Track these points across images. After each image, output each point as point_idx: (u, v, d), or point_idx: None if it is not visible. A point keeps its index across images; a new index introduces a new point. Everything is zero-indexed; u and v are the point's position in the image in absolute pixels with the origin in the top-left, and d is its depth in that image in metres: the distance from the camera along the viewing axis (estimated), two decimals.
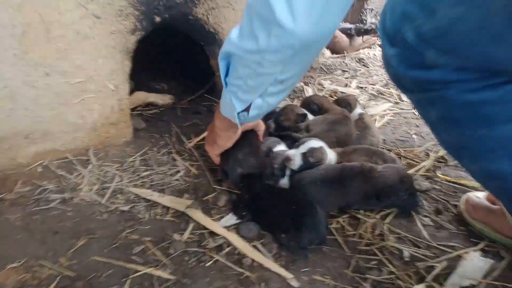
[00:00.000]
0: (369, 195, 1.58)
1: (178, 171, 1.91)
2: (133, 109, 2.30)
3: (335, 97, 2.62)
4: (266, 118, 1.76)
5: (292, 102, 2.65)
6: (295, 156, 1.62)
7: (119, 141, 2.06)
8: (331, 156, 1.71)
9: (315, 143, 1.66)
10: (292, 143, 1.78)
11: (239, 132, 1.60)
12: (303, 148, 1.63)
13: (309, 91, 2.73)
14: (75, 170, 1.86)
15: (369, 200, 1.60)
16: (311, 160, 1.61)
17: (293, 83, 1.27)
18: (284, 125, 1.93)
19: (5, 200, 1.65)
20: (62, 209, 1.64)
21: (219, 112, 1.47)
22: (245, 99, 1.27)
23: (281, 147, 1.78)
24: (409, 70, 1.13)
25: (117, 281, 1.33)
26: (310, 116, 1.99)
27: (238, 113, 1.33)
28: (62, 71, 1.78)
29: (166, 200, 1.70)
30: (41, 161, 1.87)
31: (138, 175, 1.87)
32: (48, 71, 1.75)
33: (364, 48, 3.77)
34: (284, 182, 1.66)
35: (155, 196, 1.72)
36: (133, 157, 1.99)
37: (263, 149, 1.77)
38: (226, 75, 1.29)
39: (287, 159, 1.62)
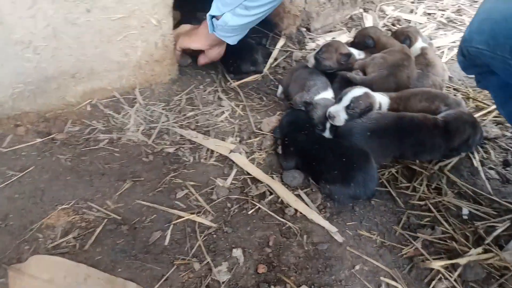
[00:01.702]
0: (438, 149, 1.45)
1: (223, 112, 1.84)
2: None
3: (398, 26, 2.35)
4: None
5: (350, 31, 2.42)
6: (339, 111, 1.48)
7: (165, 79, 2.01)
8: (382, 101, 1.54)
9: (357, 91, 1.49)
10: (344, 85, 1.63)
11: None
12: (346, 100, 1.48)
13: (368, 19, 2.47)
14: (123, 109, 1.85)
15: (434, 153, 1.46)
16: (357, 110, 1.46)
17: (257, 15, 1.64)
18: (324, 64, 1.75)
19: (56, 140, 1.69)
20: (110, 149, 1.66)
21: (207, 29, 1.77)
22: (220, 9, 1.63)
23: (325, 94, 1.64)
24: None
25: (161, 226, 1.35)
26: (357, 54, 1.79)
27: (211, 18, 1.70)
28: (103, 6, 1.70)
29: (211, 143, 1.67)
30: (90, 100, 1.87)
31: (184, 115, 1.84)
32: (89, 7, 1.68)
33: None
34: (326, 134, 1.54)
35: (200, 138, 1.69)
36: (179, 95, 1.94)
37: (304, 96, 1.65)
38: None
39: (331, 116, 1.48)
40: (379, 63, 1.67)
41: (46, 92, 1.79)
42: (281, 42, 2.23)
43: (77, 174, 1.55)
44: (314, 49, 2.23)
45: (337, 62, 1.74)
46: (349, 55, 1.73)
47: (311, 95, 1.67)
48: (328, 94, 1.66)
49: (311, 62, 1.78)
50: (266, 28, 2.32)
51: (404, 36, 1.85)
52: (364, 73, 1.71)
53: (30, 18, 1.61)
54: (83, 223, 1.38)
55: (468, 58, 1.19)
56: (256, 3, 1.57)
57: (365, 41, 1.87)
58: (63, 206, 1.43)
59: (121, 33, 1.78)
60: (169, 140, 1.71)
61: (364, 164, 1.35)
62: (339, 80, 1.72)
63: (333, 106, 1.52)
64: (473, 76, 1.36)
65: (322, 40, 2.31)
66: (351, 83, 1.63)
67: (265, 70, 2.08)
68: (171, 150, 1.65)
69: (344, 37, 2.36)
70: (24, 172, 1.56)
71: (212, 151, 1.64)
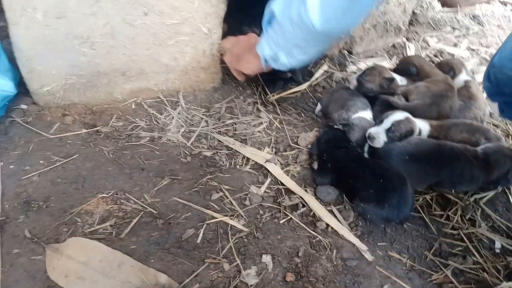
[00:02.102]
0: (476, 180, 1.44)
1: (261, 123, 1.88)
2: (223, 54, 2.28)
3: (441, 59, 2.37)
4: None
5: (391, 58, 2.45)
6: (379, 133, 1.50)
7: (208, 86, 2.08)
8: (422, 127, 1.56)
9: (399, 115, 1.52)
10: (384, 108, 1.65)
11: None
12: (387, 123, 1.50)
13: (411, 49, 2.49)
14: (165, 110, 1.92)
15: (471, 184, 1.46)
16: (397, 134, 1.48)
17: (314, 54, 1.58)
18: (366, 86, 1.78)
19: (100, 132, 1.76)
20: (150, 147, 1.72)
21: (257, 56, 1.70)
22: (273, 48, 1.57)
23: (364, 113, 1.67)
24: None
25: (194, 224, 1.39)
26: (399, 79, 1.81)
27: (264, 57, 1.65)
28: (159, 11, 1.78)
29: (247, 151, 1.71)
30: (135, 99, 1.95)
31: (223, 122, 1.89)
32: (147, 10, 1.76)
33: (481, 2, 3.30)
34: (364, 154, 1.57)
35: (237, 146, 1.73)
36: (220, 103, 2.00)
37: (343, 114, 1.69)
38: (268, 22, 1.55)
39: (371, 137, 1.51)
40: (423, 91, 1.69)
41: (96, 87, 1.88)
42: (324, 66, 2.26)
43: (118, 167, 1.62)
44: (355, 72, 2.27)
45: (379, 85, 1.77)
46: (392, 80, 1.76)
47: (350, 114, 1.70)
48: (367, 114, 1.69)
49: (353, 83, 1.81)
50: None
51: (449, 67, 1.87)
52: (406, 99, 1.73)
53: (91, 15, 1.70)
54: (120, 212, 1.43)
55: (495, 84, 1.17)
56: (312, 42, 1.48)
57: (408, 68, 1.89)
58: (103, 195, 1.49)
59: (173, 38, 1.86)
60: (207, 144, 1.76)
61: (400, 188, 1.36)
62: (380, 103, 1.74)
63: (373, 127, 1.54)
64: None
65: (363, 64, 2.34)
66: (391, 107, 1.65)
67: (305, 86, 2.12)
68: (208, 154, 1.70)
69: (385, 63, 2.39)
70: (68, 159, 1.63)
71: (248, 159, 1.68)
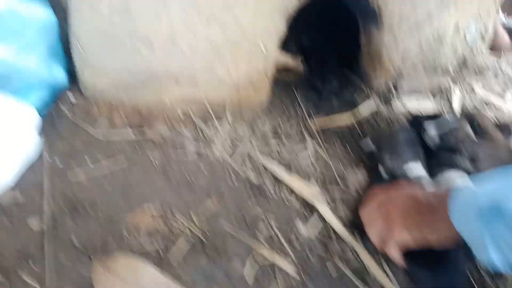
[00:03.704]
0: None
1: (307, 152, 1.84)
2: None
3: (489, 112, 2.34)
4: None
5: (434, 98, 2.42)
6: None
7: (256, 105, 2.04)
8: None
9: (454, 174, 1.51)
10: (438, 165, 1.63)
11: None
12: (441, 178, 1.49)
13: (456, 92, 2.46)
14: (212, 124, 1.88)
15: None
16: None
17: None
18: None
19: (147, 137, 1.73)
20: (197, 162, 1.68)
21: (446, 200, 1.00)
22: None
23: (414, 166, 1.64)
24: None
25: (242, 258, 1.34)
26: None
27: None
28: (222, 22, 1.75)
29: (294, 182, 1.64)
30: (183, 107, 1.91)
31: (266, 143, 1.84)
32: (210, 20, 1.73)
33: None
34: None
35: (283, 175, 1.68)
36: (265, 124, 1.96)
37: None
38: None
39: None
40: (490, 155, 1.60)
41: (147, 89, 1.84)
42: (371, 103, 2.22)
43: (165, 178, 1.58)
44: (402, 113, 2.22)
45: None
46: None
47: (399, 162, 1.67)
48: (418, 168, 1.66)
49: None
50: (358, 75, 2.35)
51: (507, 131, 1.82)
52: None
53: (155, 16, 1.67)
54: (167, 230, 1.39)
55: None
56: None
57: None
58: (150, 208, 1.45)
59: (231, 52, 1.83)
60: (251, 167, 1.71)
61: (454, 256, 1.32)
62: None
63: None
64: None
65: (407, 101, 2.30)
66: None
67: (352, 121, 2.09)
68: (253, 177, 1.65)
69: (428, 103, 2.36)
70: (115, 163, 1.60)
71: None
